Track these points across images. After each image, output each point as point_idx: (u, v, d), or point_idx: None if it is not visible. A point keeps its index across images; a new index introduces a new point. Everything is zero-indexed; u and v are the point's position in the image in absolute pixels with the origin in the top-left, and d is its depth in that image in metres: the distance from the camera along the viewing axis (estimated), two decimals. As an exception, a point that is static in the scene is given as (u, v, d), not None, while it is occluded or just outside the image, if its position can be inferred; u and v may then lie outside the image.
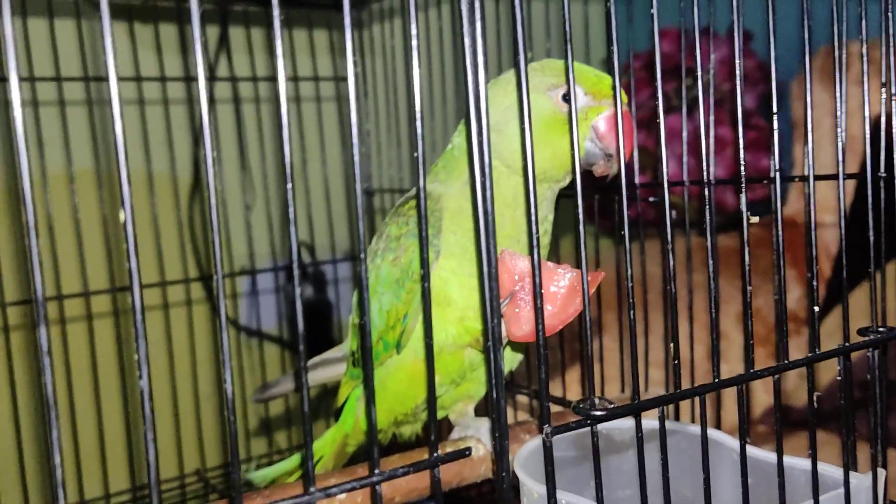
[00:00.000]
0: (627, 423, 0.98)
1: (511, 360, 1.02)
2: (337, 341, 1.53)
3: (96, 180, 1.59)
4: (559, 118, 0.87)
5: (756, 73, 2.00)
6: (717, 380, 0.70)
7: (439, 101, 1.73)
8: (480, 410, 1.07)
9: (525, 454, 0.88)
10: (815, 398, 0.75)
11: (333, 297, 1.95)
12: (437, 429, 0.59)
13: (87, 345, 1.58)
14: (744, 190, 0.71)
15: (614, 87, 0.67)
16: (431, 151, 1.70)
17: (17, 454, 1.45)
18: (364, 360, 0.56)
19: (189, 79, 1.68)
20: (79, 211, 1.52)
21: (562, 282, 0.81)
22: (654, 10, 0.69)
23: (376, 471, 0.56)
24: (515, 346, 0.99)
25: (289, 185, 0.49)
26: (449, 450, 0.62)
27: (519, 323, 0.81)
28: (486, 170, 0.56)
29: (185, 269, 1.73)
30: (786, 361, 0.74)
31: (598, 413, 0.62)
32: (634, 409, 0.65)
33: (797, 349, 1.62)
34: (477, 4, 0.54)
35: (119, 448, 1.64)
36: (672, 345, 0.68)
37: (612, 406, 0.63)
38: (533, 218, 0.57)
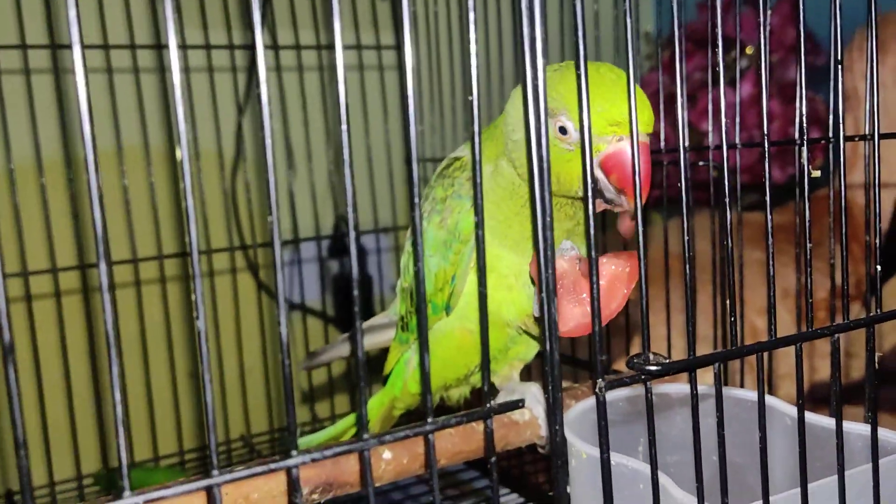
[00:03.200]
0: (676, 388, 0.96)
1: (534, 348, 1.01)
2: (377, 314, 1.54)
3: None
4: (555, 147, 0.78)
5: (805, 44, 1.95)
6: (773, 338, 0.68)
7: (483, 74, 1.71)
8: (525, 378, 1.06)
9: (572, 416, 0.87)
10: (875, 359, 0.73)
11: (374, 271, 1.95)
12: (489, 380, 0.58)
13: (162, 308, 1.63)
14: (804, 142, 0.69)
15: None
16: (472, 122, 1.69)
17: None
18: (418, 308, 0.55)
19: (233, 47, 1.68)
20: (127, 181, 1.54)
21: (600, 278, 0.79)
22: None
23: (430, 419, 0.56)
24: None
25: (343, 127, 0.49)
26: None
27: (564, 320, 0.80)
28: (545, 155, 0.55)
29: (230, 238, 1.75)
30: (847, 321, 0.72)
31: (653, 368, 0.61)
32: (690, 364, 0.63)
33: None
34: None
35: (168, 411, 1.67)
36: (727, 301, 0.66)
37: (668, 361, 0.62)
38: (592, 220, 0.57)
